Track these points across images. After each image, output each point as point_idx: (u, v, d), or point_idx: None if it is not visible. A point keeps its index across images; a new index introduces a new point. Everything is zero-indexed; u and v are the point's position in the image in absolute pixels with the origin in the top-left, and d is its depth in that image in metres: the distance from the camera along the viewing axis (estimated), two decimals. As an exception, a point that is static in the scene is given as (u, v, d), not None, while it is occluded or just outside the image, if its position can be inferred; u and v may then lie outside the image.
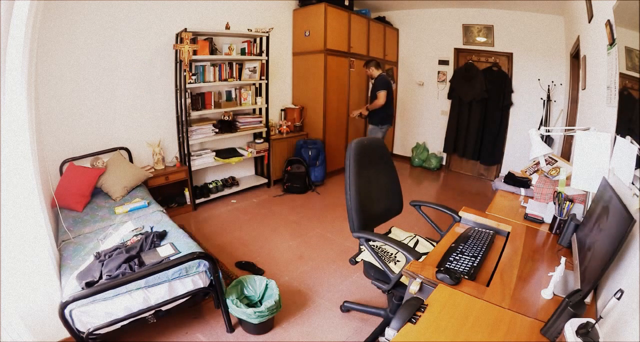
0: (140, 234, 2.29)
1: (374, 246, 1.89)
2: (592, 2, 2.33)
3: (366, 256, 1.91)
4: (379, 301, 2.42)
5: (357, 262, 1.95)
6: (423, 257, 1.57)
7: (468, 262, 1.43)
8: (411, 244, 2.01)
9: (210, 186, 4.16)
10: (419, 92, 6.04)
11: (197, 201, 3.96)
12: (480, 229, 1.76)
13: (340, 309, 2.30)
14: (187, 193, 3.81)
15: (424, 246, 1.99)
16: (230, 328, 2.09)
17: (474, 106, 5.32)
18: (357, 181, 1.84)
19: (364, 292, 2.51)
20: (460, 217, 1.92)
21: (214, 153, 4.05)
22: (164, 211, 2.82)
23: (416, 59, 5.96)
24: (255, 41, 4.16)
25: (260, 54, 4.17)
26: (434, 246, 1.95)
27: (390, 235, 2.16)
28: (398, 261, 1.84)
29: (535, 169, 2.58)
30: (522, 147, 4.97)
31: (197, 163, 3.89)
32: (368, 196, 1.92)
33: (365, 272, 1.96)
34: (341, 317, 2.25)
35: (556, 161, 2.48)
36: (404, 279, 1.64)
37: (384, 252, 1.91)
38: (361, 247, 1.98)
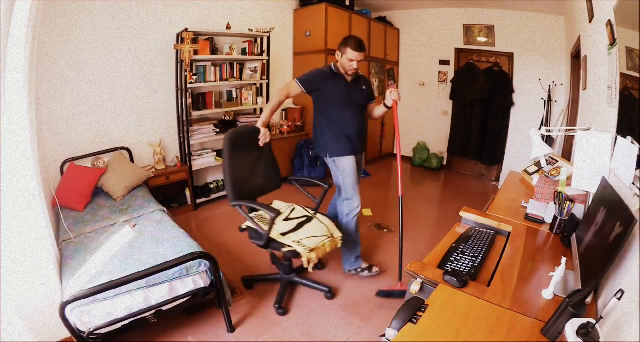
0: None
1: (254, 215, 2.31)
2: (593, 2, 2.32)
3: (248, 222, 2.23)
4: (385, 304, 2.41)
5: (244, 229, 2.29)
6: (296, 221, 2.19)
7: (469, 262, 1.43)
8: (287, 211, 2.32)
9: (211, 186, 4.16)
10: (419, 92, 6.04)
11: (198, 201, 3.96)
12: (481, 229, 1.76)
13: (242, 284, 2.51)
14: (188, 193, 3.82)
15: (299, 212, 2.32)
16: (231, 328, 2.09)
17: (475, 106, 5.32)
18: (231, 161, 2.18)
19: (365, 292, 2.51)
20: (462, 217, 1.92)
21: (215, 153, 4.05)
22: (165, 210, 2.82)
23: (417, 59, 5.95)
24: (256, 41, 4.16)
25: (261, 54, 4.17)
26: (307, 211, 2.34)
27: (272, 206, 2.46)
28: (275, 224, 2.11)
29: (536, 169, 2.58)
30: (523, 147, 4.96)
31: (198, 163, 3.89)
32: (243, 173, 2.27)
33: (249, 236, 2.25)
34: (342, 317, 2.25)
35: (557, 161, 2.48)
36: (277, 237, 2.06)
37: (262, 218, 2.25)
38: (243, 215, 2.25)
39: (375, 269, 2.67)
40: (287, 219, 2.22)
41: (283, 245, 2.06)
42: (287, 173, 4.80)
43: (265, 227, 2.08)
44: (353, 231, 2.55)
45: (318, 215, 2.32)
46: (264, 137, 2.35)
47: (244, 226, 2.30)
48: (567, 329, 0.89)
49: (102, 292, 1.62)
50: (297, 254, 2.01)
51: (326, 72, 2.45)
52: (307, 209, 2.38)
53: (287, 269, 2.46)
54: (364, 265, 2.65)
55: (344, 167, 2.47)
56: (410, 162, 6.18)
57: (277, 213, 2.00)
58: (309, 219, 2.24)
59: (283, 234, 2.09)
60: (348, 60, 2.37)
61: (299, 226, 2.16)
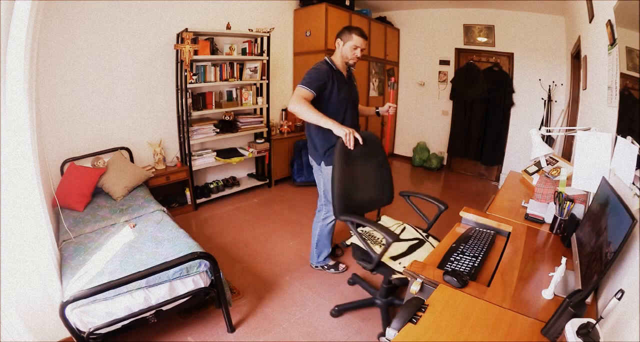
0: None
1: (362, 231, 2.09)
2: (593, 2, 2.32)
3: (355, 239, 2.03)
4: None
5: (347, 245, 2.09)
6: (407, 243, 1.93)
7: (469, 262, 1.43)
8: (398, 230, 2.12)
9: (211, 186, 4.16)
10: (420, 92, 6.04)
11: (198, 201, 3.96)
12: (481, 229, 1.76)
13: (330, 314, 2.26)
14: (187, 193, 3.81)
15: (410, 233, 2.10)
16: (231, 328, 2.09)
17: (475, 106, 5.32)
18: (343, 170, 1.95)
19: (365, 292, 2.51)
20: (461, 217, 1.92)
21: (215, 153, 4.05)
22: (165, 210, 2.82)
23: (417, 59, 5.95)
24: (256, 41, 4.16)
25: (261, 54, 4.17)
26: (419, 232, 2.11)
27: (380, 222, 2.25)
28: (384, 244, 1.89)
29: (536, 169, 2.58)
30: (523, 147, 4.97)
31: (198, 163, 3.89)
32: (353, 185, 2.03)
33: (352, 253, 2.05)
34: (342, 317, 2.25)
35: (557, 161, 2.48)
36: (387, 261, 1.82)
37: (371, 236, 2.04)
38: (351, 232, 2.06)
39: (342, 267, 2.79)
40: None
41: (394, 271, 1.79)
42: (286, 174, 4.81)
43: (375, 248, 1.86)
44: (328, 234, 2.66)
45: (430, 238, 2.07)
46: (351, 138, 1.93)
47: (348, 242, 2.07)
48: (567, 329, 0.89)
49: (102, 292, 1.62)
50: (407, 282, 1.69)
51: (326, 69, 2.22)
52: (418, 229, 2.13)
53: (385, 292, 2.22)
54: (331, 263, 2.79)
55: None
56: (410, 162, 6.18)
57: (396, 237, 1.66)
58: (420, 242, 1.99)
59: (393, 258, 1.84)
60: (353, 48, 2.22)
61: (411, 250, 1.92)
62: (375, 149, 2.15)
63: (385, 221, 2.29)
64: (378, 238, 2.02)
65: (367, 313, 2.29)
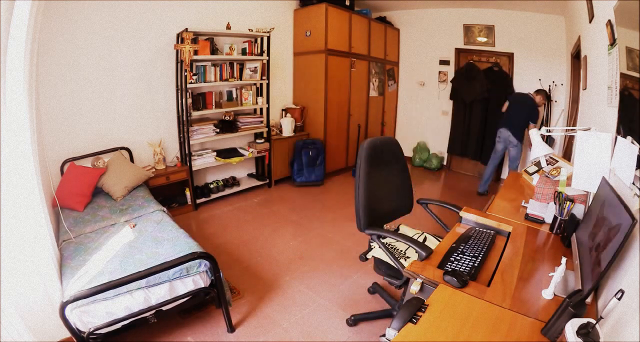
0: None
1: (384, 242, 1.92)
2: (593, 2, 2.32)
3: (377, 252, 1.94)
4: (379, 300, 2.42)
5: (367, 258, 1.97)
6: None
7: (469, 262, 1.43)
8: (419, 241, 2.02)
9: (211, 186, 4.16)
10: (419, 92, 6.04)
11: (198, 201, 3.96)
12: (481, 229, 1.76)
13: (347, 323, 2.19)
14: (187, 193, 3.81)
15: (431, 243, 2.00)
16: (231, 328, 2.09)
17: (475, 106, 5.32)
18: (367, 179, 1.86)
19: (365, 292, 2.51)
20: (461, 217, 1.92)
21: (215, 153, 4.06)
22: (165, 210, 2.82)
23: (417, 59, 5.95)
24: (256, 41, 4.16)
25: (261, 54, 4.17)
26: (440, 242, 1.97)
27: (399, 232, 2.17)
28: (408, 257, 1.85)
29: (536, 169, 2.58)
30: (523, 147, 4.96)
31: (198, 163, 3.89)
32: (377, 194, 1.94)
33: (375, 268, 1.97)
34: (342, 317, 2.25)
35: (557, 161, 2.48)
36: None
37: (395, 249, 1.94)
38: (371, 244, 2.01)
39: None
40: None
41: None
42: (286, 174, 4.81)
43: (404, 263, 1.78)
44: None
45: None
46: None
47: (369, 256, 1.97)
48: (567, 329, 0.89)
49: (102, 292, 1.62)
50: None
51: None
52: (438, 238, 2.05)
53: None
54: None
55: None
56: (410, 162, 6.18)
57: (430, 252, 1.54)
58: None
59: None
60: None
61: None
62: (398, 155, 2.09)
63: (405, 230, 2.20)
64: (401, 251, 1.92)
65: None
